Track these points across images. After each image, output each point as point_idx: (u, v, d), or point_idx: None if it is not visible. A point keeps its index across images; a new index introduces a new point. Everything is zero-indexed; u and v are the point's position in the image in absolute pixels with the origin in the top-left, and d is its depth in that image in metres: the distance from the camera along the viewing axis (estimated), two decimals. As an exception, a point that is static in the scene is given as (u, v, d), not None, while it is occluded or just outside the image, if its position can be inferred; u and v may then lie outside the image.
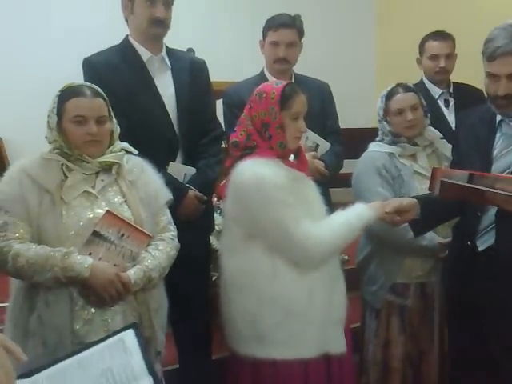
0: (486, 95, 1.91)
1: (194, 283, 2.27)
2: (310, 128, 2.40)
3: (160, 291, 1.88)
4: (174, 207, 2.01)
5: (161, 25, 2.22)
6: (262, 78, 2.48)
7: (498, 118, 1.90)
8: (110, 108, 1.81)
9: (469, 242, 1.91)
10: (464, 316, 1.98)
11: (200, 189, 2.28)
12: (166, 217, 1.89)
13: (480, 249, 1.89)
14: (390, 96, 2.26)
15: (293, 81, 2.55)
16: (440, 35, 2.99)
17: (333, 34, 4.00)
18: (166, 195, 1.91)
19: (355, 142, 2.45)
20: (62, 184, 1.71)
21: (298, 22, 2.52)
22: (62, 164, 1.73)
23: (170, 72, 2.31)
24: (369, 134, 2.46)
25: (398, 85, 2.29)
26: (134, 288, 1.71)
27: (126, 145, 1.86)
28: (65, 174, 1.72)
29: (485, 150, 1.89)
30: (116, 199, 1.77)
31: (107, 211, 1.69)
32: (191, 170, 2.32)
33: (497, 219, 1.84)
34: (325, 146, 2.53)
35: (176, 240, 1.88)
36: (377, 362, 2.32)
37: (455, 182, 1.71)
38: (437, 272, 2.26)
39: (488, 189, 1.63)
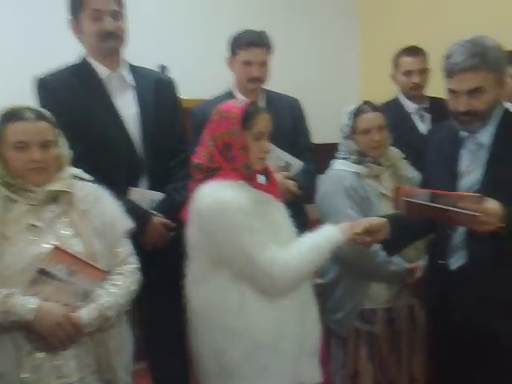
0: None
1: (168, 314, 2.10)
2: (281, 146, 2.26)
3: (121, 329, 1.69)
4: (138, 236, 1.82)
5: (112, 37, 2.04)
6: (229, 96, 2.31)
7: (463, 133, 1.81)
8: (59, 131, 1.62)
9: (441, 261, 1.82)
10: (443, 336, 1.89)
11: (167, 215, 2.09)
12: (126, 248, 1.69)
13: (452, 267, 1.80)
14: (357, 114, 2.11)
15: (264, 98, 2.40)
16: (412, 51, 2.88)
17: (316, 49, 3.87)
18: (126, 224, 1.71)
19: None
20: (3, 218, 1.50)
21: (266, 39, 2.37)
22: (5, 196, 1.52)
23: (132, 91, 2.13)
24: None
25: (366, 103, 2.15)
26: (87, 329, 1.51)
27: (77, 171, 1.66)
28: (7, 207, 1.51)
29: (451, 166, 1.82)
30: (66, 232, 1.57)
31: (55, 246, 1.49)
32: (158, 195, 2.13)
33: (467, 237, 1.76)
34: (297, 164, 2.35)
35: (137, 273, 1.69)
36: None
37: (418, 201, 1.62)
38: (403, 296, 2.11)
39: (450, 207, 1.53)
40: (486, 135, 1.76)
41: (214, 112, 1.71)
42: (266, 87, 2.45)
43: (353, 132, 2.11)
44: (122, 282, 1.62)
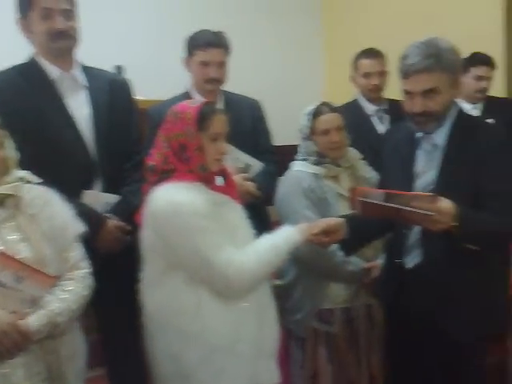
0: None
1: (124, 319, 2.03)
2: (241, 148, 2.24)
3: (74, 336, 1.63)
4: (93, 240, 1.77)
5: (63, 37, 1.96)
6: (186, 97, 2.27)
7: (419, 134, 1.82)
8: (4, 132, 1.55)
9: (397, 260, 1.83)
10: (400, 334, 1.89)
11: (123, 218, 2.03)
12: (77, 253, 1.63)
13: (408, 266, 1.81)
14: (316, 115, 2.10)
15: (222, 99, 2.36)
16: (371, 53, 2.91)
17: (279, 51, 3.86)
18: (77, 228, 1.64)
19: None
20: None
21: (224, 39, 2.33)
22: None
23: (85, 91, 2.06)
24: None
25: (324, 104, 2.14)
26: (35, 336, 1.45)
27: (25, 174, 1.59)
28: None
29: (407, 167, 1.83)
30: (13, 236, 1.49)
31: (0, 252, 1.41)
32: (113, 198, 2.07)
33: (422, 236, 1.77)
34: (257, 166, 2.32)
35: (89, 278, 1.63)
36: None
37: (372, 201, 1.62)
38: (361, 296, 2.11)
39: (404, 207, 1.53)
40: (440, 136, 1.77)
41: (168, 113, 1.67)
42: (226, 88, 2.42)
43: (312, 133, 2.10)
44: (73, 287, 1.56)
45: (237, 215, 1.70)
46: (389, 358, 2.02)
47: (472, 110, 3.00)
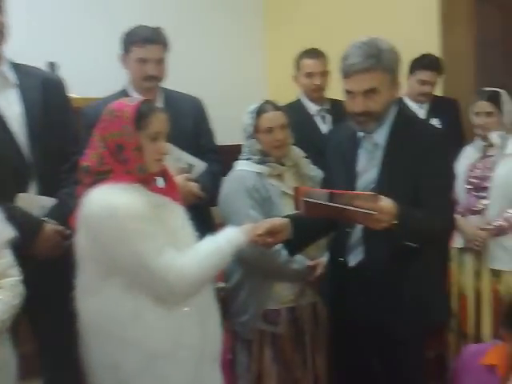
0: None
1: (60, 328, 1.92)
2: (182, 147, 2.17)
3: (3, 346, 1.53)
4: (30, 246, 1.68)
5: None
6: (123, 95, 2.17)
7: (360, 134, 1.83)
8: None
9: (341, 258, 1.84)
10: (343, 332, 1.90)
11: (61, 222, 1.92)
12: (6, 260, 1.53)
13: (351, 264, 1.82)
14: (259, 113, 2.07)
15: (162, 97, 2.28)
16: (313, 53, 2.91)
17: (222, 50, 3.81)
18: (6, 234, 1.54)
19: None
20: None
21: (162, 36, 2.25)
22: None
23: (15, 89, 1.94)
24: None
25: (267, 102, 2.12)
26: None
27: None
28: None
29: (349, 166, 1.83)
30: None
31: None
32: (49, 201, 1.96)
33: (363, 234, 1.78)
34: (200, 166, 2.26)
35: (20, 286, 1.54)
36: None
37: (316, 200, 1.61)
38: (306, 295, 2.10)
39: (347, 206, 1.54)
40: (381, 135, 1.78)
41: (104, 111, 1.59)
42: (167, 86, 2.34)
43: (255, 131, 2.07)
44: (2, 296, 1.47)
45: (178, 217, 1.64)
46: (332, 356, 2.02)
47: (418, 109, 3.07)
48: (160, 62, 2.23)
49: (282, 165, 2.11)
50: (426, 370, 1.91)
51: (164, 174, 1.69)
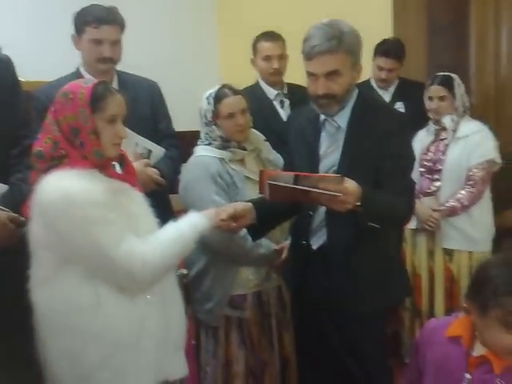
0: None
1: (15, 321, 1.78)
2: (140, 132, 2.08)
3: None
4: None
5: None
6: (76, 77, 2.05)
7: (322, 117, 1.81)
8: None
9: (304, 241, 1.83)
10: (306, 315, 1.90)
11: (15, 208, 1.80)
12: None
13: (314, 247, 1.82)
14: (219, 98, 2.00)
15: (116, 80, 2.18)
16: (271, 36, 2.84)
17: (172, 34, 3.70)
18: None
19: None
20: None
21: (118, 16, 2.14)
22: None
23: None
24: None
25: (225, 86, 2.04)
26: None
27: None
28: None
29: (312, 149, 1.82)
30: None
31: None
32: (1, 188, 1.84)
33: (326, 217, 1.77)
34: (158, 151, 2.19)
35: None
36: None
37: (281, 183, 1.58)
38: (271, 279, 2.09)
39: (312, 189, 1.51)
40: (343, 118, 1.77)
41: (57, 94, 1.49)
42: (119, 69, 2.24)
43: (215, 117, 2.00)
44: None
45: (138, 204, 1.57)
46: (297, 337, 2.02)
47: (384, 92, 3.09)
48: (115, 43, 2.13)
49: (243, 149, 2.06)
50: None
51: (122, 159, 1.62)
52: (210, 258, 2.01)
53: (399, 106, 3.00)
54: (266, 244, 2.00)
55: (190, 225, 1.55)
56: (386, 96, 3.07)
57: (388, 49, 2.99)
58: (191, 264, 2.06)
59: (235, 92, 2.03)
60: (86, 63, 2.16)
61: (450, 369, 1.34)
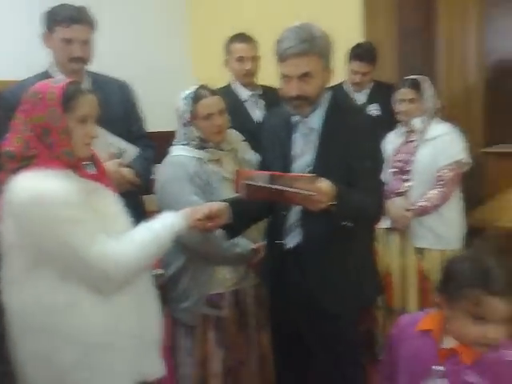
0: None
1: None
2: (113, 132, 2.07)
3: None
4: None
5: None
6: (46, 77, 2.01)
7: (295, 118, 1.82)
8: None
9: (278, 241, 1.84)
10: (282, 314, 1.91)
11: None
12: None
13: (288, 246, 1.82)
14: (196, 99, 1.99)
15: (88, 80, 2.16)
16: (244, 37, 2.86)
17: (148, 34, 3.69)
18: None
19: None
20: None
21: (88, 16, 2.12)
22: None
23: None
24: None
25: (202, 87, 2.04)
26: None
27: None
28: None
29: (285, 150, 1.83)
30: None
31: None
32: None
33: (301, 217, 1.79)
34: (132, 151, 2.17)
35: None
36: (194, 383, 2.06)
37: (258, 183, 1.60)
38: (249, 278, 2.10)
39: (287, 188, 1.53)
40: (316, 119, 1.79)
41: (27, 93, 1.47)
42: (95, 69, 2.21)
43: (193, 118, 1.99)
44: None
45: (111, 204, 1.56)
46: (274, 337, 2.02)
47: (359, 95, 3.14)
48: (86, 43, 2.11)
49: (221, 150, 2.06)
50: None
51: (93, 159, 1.59)
52: (188, 257, 2.01)
53: (374, 108, 3.07)
54: (243, 243, 2.00)
55: (165, 225, 1.54)
56: (361, 98, 3.13)
57: (362, 53, 3.04)
58: (168, 263, 2.05)
59: (213, 92, 2.03)
60: (57, 62, 2.13)
61: (421, 362, 1.36)
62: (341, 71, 3.10)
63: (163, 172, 2.03)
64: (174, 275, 2.04)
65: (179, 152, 2.02)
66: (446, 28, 3.45)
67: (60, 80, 1.52)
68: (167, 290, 2.05)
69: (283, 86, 1.75)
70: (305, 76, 1.69)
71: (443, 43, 3.48)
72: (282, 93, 1.77)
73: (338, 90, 3.12)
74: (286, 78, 1.72)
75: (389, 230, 2.74)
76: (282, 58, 1.70)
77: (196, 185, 1.96)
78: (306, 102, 1.74)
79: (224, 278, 2.03)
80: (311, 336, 1.86)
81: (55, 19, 2.06)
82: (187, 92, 2.02)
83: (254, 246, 2.04)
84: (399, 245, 2.73)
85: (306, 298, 1.79)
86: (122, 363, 1.48)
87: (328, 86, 1.83)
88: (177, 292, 2.03)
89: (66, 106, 1.42)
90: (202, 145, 2.01)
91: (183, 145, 2.03)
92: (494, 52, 3.30)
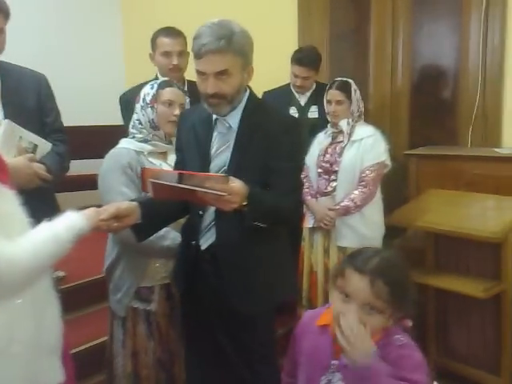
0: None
1: None
2: (25, 125, 1.97)
3: None
4: None
5: None
6: None
7: (215, 116, 1.79)
8: None
9: (193, 241, 1.82)
10: (195, 314, 1.90)
11: None
12: None
13: (203, 247, 1.81)
14: (164, 86, 2.03)
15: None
16: (171, 32, 2.79)
17: (76, 31, 3.56)
18: None
19: (108, 139, 2.13)
20: None
21: (3, 4, 2.00)
22: None
23: None
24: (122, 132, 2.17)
25: (170, 81, 2.11)
26: None
27: None
28: None
29: (204, 148, 1.80)
30: None
31: None
32: None
33: (215, 217, 1.77)
34: (45, 146, 2.07)
35: None
36: (127, 374, 2.06)
37: (164, 182, 1.55)
38: None
39: (196, 188, 1.50)
40: (234, 119, 1.77)
41: None
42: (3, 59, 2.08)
43: (154, 101, 2.00)
44: None
45: (7, 202, 1.45)
46: (187, 336, 1.99)
47: (301, 96, 3.18)
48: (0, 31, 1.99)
49: (169, 143, 2.06)
50: (278, 346, 1.94)
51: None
52: (121, 248, 2.00)
53: (313, 110, 3.12)
54: (172, 236, 1.97)
55: (66, 225, 1.46)
56: (302, 100, 3.18)
57: (301, 57, 3.07)
58: (107, 254, 2.06)
59: (181, 89, 2.07)
60: None
61: (319, 357, 1.37)
62: (286, 72, 3.15)
63: (103, 164, 2.01)
64: (110, 267, 2.05)
65: (122, 145, 2.03)
66: (377, 31, 3.53)
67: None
68: (106, 281, 2.08)
69: (200, 83, 1.71)
70: (222, 74, 1.66)
71: (374, 46, 3.56)
72: (200, 90, 1.73)
73: (284, 90, 3.20)
74: (202, 75, 1.68)
75: (314, 229, 2.79)
76: (198, 54, 1.65)
77: (128, 176, 1.93)
78: (224, 101, 1.70)
79: (155, 272, 2.02)
80: (224, 336, 1.85)
81: None
82: (156, 80, 2.07)
83: None
84: (323, 243, 2.77)
85: (219, 297, 1.78)
86: (17, 369, 1.39)
87: (249, 84, 1.80)
88: (112, 283, 2.05)
89: None
90: (148, 137, 2.02)
91: (130, 138, 2.04)
92: (420, 56, 3.40)
